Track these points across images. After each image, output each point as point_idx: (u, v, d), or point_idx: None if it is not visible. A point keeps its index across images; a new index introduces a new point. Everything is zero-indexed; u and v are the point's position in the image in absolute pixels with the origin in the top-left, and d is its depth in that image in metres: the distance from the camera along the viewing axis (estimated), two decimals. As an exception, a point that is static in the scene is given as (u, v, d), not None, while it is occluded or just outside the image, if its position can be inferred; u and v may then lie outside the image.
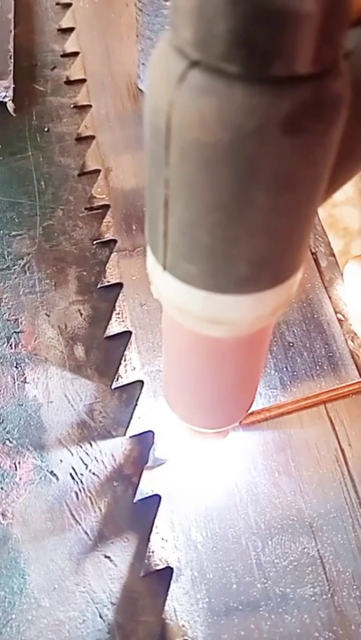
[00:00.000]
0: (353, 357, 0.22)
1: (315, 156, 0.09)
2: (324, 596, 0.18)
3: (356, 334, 0.22)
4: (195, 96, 0.08)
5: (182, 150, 0.09)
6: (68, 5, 0.32)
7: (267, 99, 0.08)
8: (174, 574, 0.18)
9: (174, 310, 0.12)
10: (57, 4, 0.32)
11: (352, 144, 0.12)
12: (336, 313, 0.22)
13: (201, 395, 0.15)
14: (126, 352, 0.22)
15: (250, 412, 0.20)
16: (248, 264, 0.11)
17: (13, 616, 0.17)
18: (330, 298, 0.23)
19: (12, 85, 0.28)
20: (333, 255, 0.23)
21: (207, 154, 0.09)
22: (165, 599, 0.17)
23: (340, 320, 0.22)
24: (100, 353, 0.22)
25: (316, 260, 0.23)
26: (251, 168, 0.09)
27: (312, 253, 0.24)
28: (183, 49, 0.08)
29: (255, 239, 0.10)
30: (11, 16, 0.31)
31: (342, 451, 0.20)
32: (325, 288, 0.23)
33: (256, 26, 0.08)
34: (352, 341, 0.22)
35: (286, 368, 0.21)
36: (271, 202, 0.10)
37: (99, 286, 0.23)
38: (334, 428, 0.20)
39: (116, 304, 0.22)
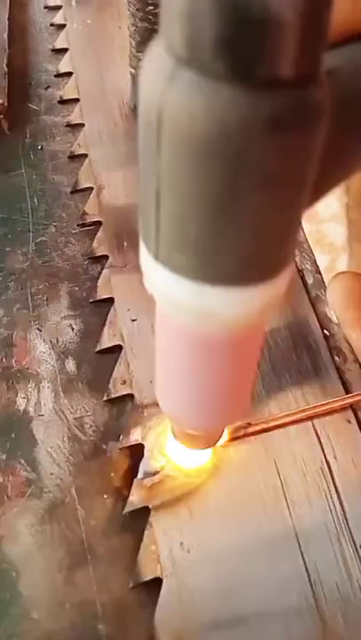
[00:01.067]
0: (339, 373, 0.22)
1: (297, 158, 0.10)
2: (310, 608, 0.18)
3: (341, 350, 0.23)
4: (184, 93, 0.09)
5: (172, 144, 0.10)
6: (62, 27, 0.33)
7: (251, 99, 0.09)
8: (163, 585, 0.18)
9: (165, 303, 0.13)
10: (51, 25, 0.33)
11: (337, 155, 0.12)
12: (322, 329, 0.23)
13: (190, 394, 0.15)
14: (117, 366, 0.22)
15: (235, 425, 0.21)
16: (235, 257, 0.11)
17: (3, 628, 0.17)
18: (316, 315, 0.23)
19: (7, 104, 0.28)
20: (319, 272, 0.24)
21: (195, 148, 0.10)
22: (154, 610, 0.18)
23: (326, 336, 0.23)
24: (91, 367, 0.22)
25: (302, 278, 0.24)
26: (236, 164, 0.10)
27: (299, 270, 0.24)
28: (174, 48, 0.09)
29: (241, 233, 0.11)
30: (5, 36, 0.31)
31: (328, 464, 0.20)
32: (312, 305, 0.23)
33: (240, 32, 0.08)
34: (338, 357, 0.22)
35: (273, 384, 0.22)
36: (256, 198, 0.10)
37: (90, 301, 0.23)
38: (320, 442, 0.21)
39: (108, 319, 0.23)
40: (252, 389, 0.17)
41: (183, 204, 0.11)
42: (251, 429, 0.21)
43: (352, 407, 0.21)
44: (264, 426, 0.21)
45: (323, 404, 0.21)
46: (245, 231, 0.11)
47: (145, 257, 0.12)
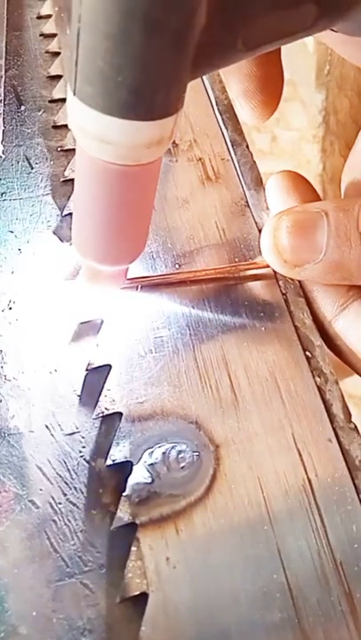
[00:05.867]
0: (320, 393, 0.23)
1: (178, 10, 0.13)
2: (291, 622, 0.19)
3: (322, 371, 0.23)
4: None
5: None
6: (57, 54, 0.34)
7: None
8: (149, 600, 0.19)
9: (76, 133, 0.16)
10: (46, 52, 0.34)
11: (216, 39, 0.16)
12: (305, 351, 0.24)
13: (95, 227, 0.19)
14: (106, 384, 0.23)
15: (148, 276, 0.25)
16: (128, 92, 0.14)
17: (-9, 643, 0.18)
18: (298, 336, 0.24)
19: (2, 127, 0.29)
20: (301, 296, 0.25)
21: None
22: (141, 625, 0.18)
23: (308, 357, 0.24)
24: (82, 385, 0.23)
25: (286, 301, 0.25)
26: (130, 6, 0.13)
27: (283, 294, 0.25)
28: None
29: (134, 69, 0.14)
30: (1, 62, 0.32)
31: (309, 481, 0.21)
32: (295, 327, 0.24)
33: None
34: (319, 377, 0.23)
35: (257, 401, 0.23)
36: (145, 39, 0.14)
37: (81, 322, 0.24)
38: (302, 460, 0.22)
39: (97, 338, 0.24)
40: (146, 232, 0.21)
41: (94, 40, 0.14)
42: (148, 280, 0.24)
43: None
44: (161, 280, 0.24)
45: (218, 268, 0.25)
46: (137, 67, 0.14)
47: (69, 99, 0.16)
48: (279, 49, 0.24)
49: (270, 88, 0.25)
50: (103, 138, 0.15)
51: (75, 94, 0.15)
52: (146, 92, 0.15)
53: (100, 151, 0.16)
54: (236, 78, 0.24)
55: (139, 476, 0.21)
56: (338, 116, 0.52)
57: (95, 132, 0.15)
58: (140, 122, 0.15)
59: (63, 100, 0.31)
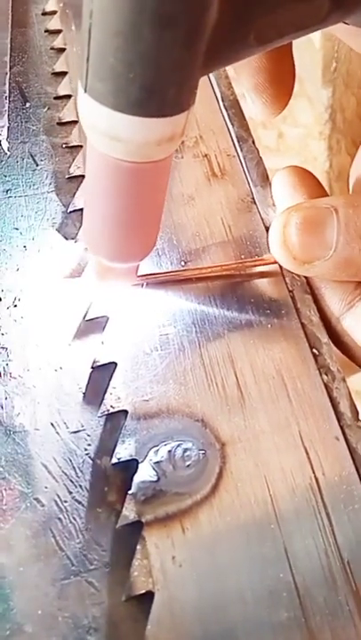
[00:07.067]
0: (327, 390, 0.23)
1: (190, 6, 0.13)
2: (298, 621, 0.19)
3: (330, 369, 0.23)
4: None
5: None
6: (62, 50, 0.33)
7: None
8: (155, 599, 0.18)
9: (88, 129, 0.16)
10: (51, 48, 0.34)
11: (229, 33, 0.16)
12: (311, 348, 0.24)
13: (106, 223, 0.19)
14: (111, 382, 0.22)
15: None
16: (140, 88, 0.14)
17: (-4, 641, 0.18)
18: (305, 334, 0.24)
19: (7, 125, 0.29)
20: (308, 293, 0.25)
21: None
22: (146, 624, 0.18)
23: (315, 355, 0.23)
24: (87, 383, 0.23)
25: (293, 298, 0.25)
26: (141, 2, 0.13)
27: (289, 291, 0.25)
28: None
29: (145, 66, 0.14)
30: (6, 59, 0.32)
31: (317, 480, 0.21)
32: (302, 324, 0.24)
33: None
34: (326, 375, 0.23)
35: (264, 400, 0.22)
36: (156, 36, 0.14)
37: (86, 319, 0.24)
38: (309, 458, 0.21)
39: (103, 336, 0.23)
40: (157, 229, 0.21)
41: (106, 37, 0.14)
42: (154, 277, 0.24)
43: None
44: (167, 277, 0.24)
45: (221, 265, 0.25)
46: (148, 64, 0.14)
47: (80, 96, 0.16)
48: (290, 43, 0.24)
49: (282, 82, 0.25)
50: (114, 135, 0.15)
51: (85, 91, 0.15)
52: (157, 88, 0.14)
53: (111, 148, 0.16)
54: (247, 72, 0.24)
55: (144, 474, 0.20)
56: (345, 114, 0.52)
57: (106, 129, 0.15)
58: (151, 119, 0.15)
59: (68, 97, 0.31)
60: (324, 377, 0.23)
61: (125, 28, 0.13)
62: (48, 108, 0.31)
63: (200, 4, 0.14)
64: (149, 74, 0.14)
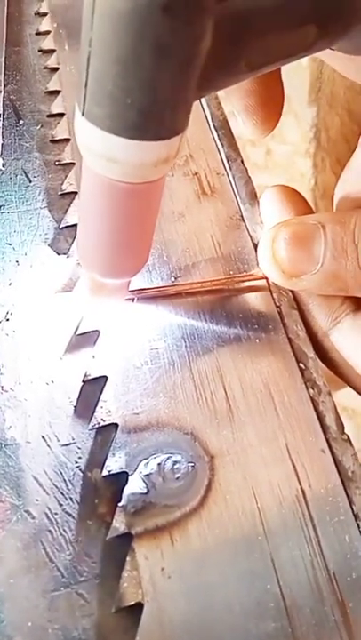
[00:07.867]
0: (313, 404, 0.23)
1: (186, 36, 0.14)
2: (285, 632, 0.19)
3: (316, 383, 0.24)
4: None
5: (102, 15, 0.14)
6: (55, 69, 0.34)
7: None
8: (144, 610, 0.19)
9: (84, 152, 0.17)
10: (45, 67, 0.34)
11: (222, 58, 0.17)
12: (298, 363, 0.24)
13: (99, 241, 0.20)
14: (102, 396, 0.23)
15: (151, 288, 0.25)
16: (137, 113, 0.15)
17: (-13, 654, 0.18)
18: (292, 348, 0.24)
19: (1, 142, 0.30)
20: (295, 308, 0.25)
21: (116, 18, 0.14)
22: (135, 635, 0.18)
23: (301, 369, 0.24)
24: (78, 396, 0.23)
25: (280, 313, 0.25)
26: (141, 33, 0.14)
27: (277, 306, 0.26)
28: None
29: (143, 92, 0.14)
30: (1, 77, 0.33)
31: (303, 491, 0.21)
32: (288, 339, 0.25)
33: None
34: (312, 389, 0.24)
35: (251, 413, 0.23)
36: (154, 64, 0.14)
37: (78, 333, 0.24)
38: (296, 470, 0.22)
39: (94, 350, 0.24)
40: (149, 245, 0.21)
41: (105, 64, 0.14)
42: (144, 292, 0.25)
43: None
44: (158, 292, 0.25)
45: (213, 280, 0.26)
46: (146, 90, 0.14)
47: (77, 119, 0.16)
48: (280, 67, 0.24)
49: (271, 104, 0.26)
50: (111, 157, 0.16)
51: (83, 115, 0.16)
52: (154, 113, 0.15)
53: (108, 169, 0.16)
54: (238, 95, 0.25)
55: (134, 486, 0.21)
56: (329, 133, 0.53)
57: (103, 152, 0.16)
58: (147, 142, 0.15)
59: (61, 115, 0.32)
60: (311, 391, 0.24)
61: (125, 56, 0.14)
62: (41, 126, 0.31)
63: (195, 33, 0.14)
64: (147, 99, 0.15)
